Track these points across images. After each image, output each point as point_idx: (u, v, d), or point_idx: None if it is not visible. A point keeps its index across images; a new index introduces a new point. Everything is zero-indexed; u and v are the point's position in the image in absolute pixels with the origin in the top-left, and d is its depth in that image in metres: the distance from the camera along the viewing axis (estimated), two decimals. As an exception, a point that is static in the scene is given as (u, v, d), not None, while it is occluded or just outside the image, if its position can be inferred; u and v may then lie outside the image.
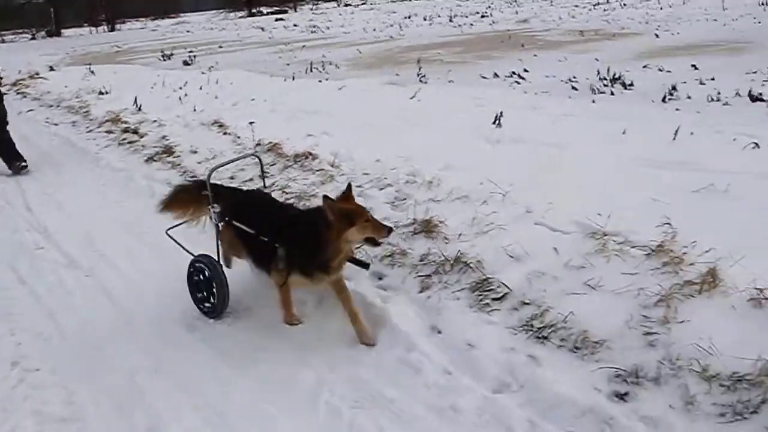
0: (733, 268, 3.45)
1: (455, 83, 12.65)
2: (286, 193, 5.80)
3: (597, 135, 7.06)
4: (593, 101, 9.88)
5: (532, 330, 3.28)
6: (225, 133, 8.30)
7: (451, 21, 29.66)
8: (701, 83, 10.94)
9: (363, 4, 67.37)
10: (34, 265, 5.18)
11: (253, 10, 62.94)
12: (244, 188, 5.07)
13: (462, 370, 3.15)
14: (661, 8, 28.90)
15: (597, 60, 14.52)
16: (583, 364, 3.02)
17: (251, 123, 8.18)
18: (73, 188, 7.33)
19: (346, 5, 67.01)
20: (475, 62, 15.91)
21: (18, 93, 15.80)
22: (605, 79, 11.62)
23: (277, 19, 43.87)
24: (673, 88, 10.32)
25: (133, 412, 3.18)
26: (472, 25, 27.17)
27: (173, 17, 67.95)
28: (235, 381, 3.36)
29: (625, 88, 10.99)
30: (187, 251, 4.26)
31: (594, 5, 34.00)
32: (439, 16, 33.10)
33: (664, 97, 9.78)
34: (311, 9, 64.82)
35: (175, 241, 4.41)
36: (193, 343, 3.81)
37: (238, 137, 8.01)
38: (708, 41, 17.15)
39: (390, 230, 3.52)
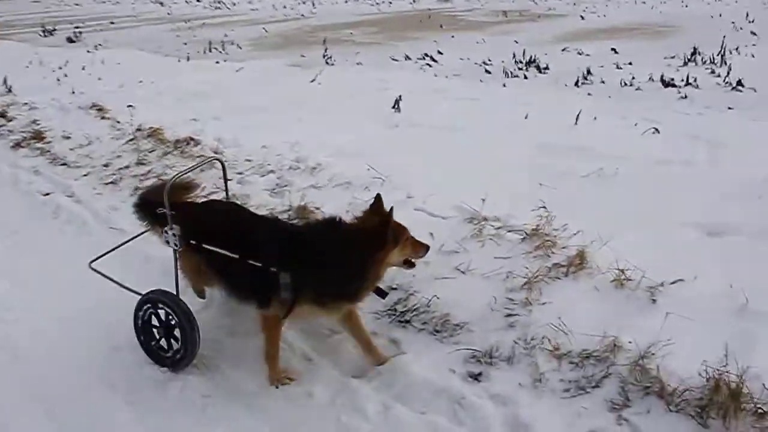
0: (601, 251, 3.78)
1: (363, 65, 12.90)
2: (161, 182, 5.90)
3: (499, 120, 7.41)
4: (504, 85, 10.31)
5: (395, 314, 3.52)
6: (104, 117, 8.27)
7: (371, -2, 29.91)
8: (618, 67, 11.56)
9: (277, -22, 66.89)
10: None
11: (153, -17, 61.59)
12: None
13: (322, 355, 3.35)
14: (587, -12, 29.98)
15: (516, 42, 15.07)
16: (441, 347, 3.27)
17: (130, 106, 8.21)
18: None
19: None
20: (388, 43, 16.19)
21: None
22: (520, 62, 12.10)
23: (178, -7, 43.10)
24: (588, 72, 10.87)
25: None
26: (390, 3, 27.50)
27: (60, -12, 65.81)
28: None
29: (540, 72, 11.49)
30: (126, 288, 3.68)
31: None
32: (359, -8, 33.29)
33: (577, 81, 10.30)
34: (218, -18, 63.99)
35: (105, 275, 3.81)
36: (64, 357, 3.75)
37: (118, 122, 7.99)
38: (633, 24, 18.03)
39: (428, 248, 3.31)
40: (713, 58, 11.51)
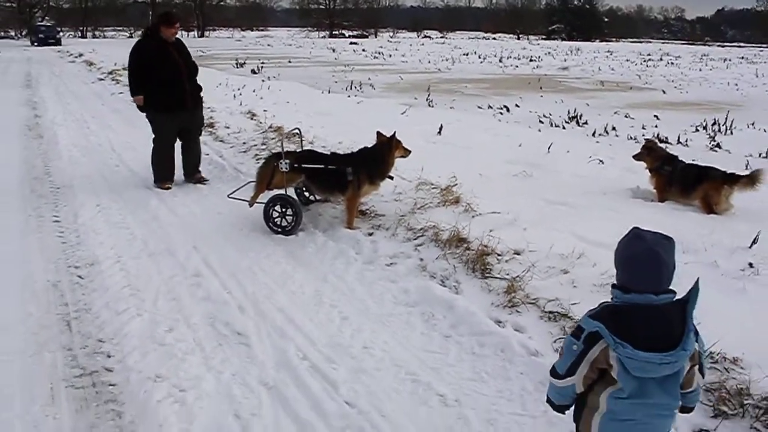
0: (473, 199, 6.55)
1: (454, 109, 15.83)
2: (273, 152, 9.16)
3: (504, 146, 10.12)
4: (539, 130, 12.90)
5: (363, 216, 6.45)
6: (252, 119, 11.79)
7: (500, 62, 32.80)
8: (643, 127, 13.79)
9: (442, 37, 71.07)
10: (111, 178, 8.63)
11: (335, 32, 67.52)
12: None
13: (315, 227, 6.36)
14: (700, 69, 31.30)
15: (588, 105, 17.43)
16: (363, 223, 6.22)
17: (265, 111, 11.69)
18: (146, 144, 10.80)
19: (425, 37, 70.86)
20: (487, 96, 19.03)
21: (113, 80, 20.00)
22: (569, 117, 14.62)
23: (351, 43, 47.96)
24: (612, 128, 13.26)
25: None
26: (516, 67, 30.28)
27: (261, 29, 73.41)
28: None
29: (578, 125, 13.96)
30: (252, 201, 6.53)
31: (645, 60, 36.49)
32: (494, 56, 36.29)
33: (594, 132, 12.73)
34: (390, 36, 69.07)
35: (238, 198, 6.69)
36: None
37: (261, 122, 11.46)
38: (704, 100, 19.77)
39: (410, 151, 6.42)
40: (720, 127, 13.54)
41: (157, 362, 3.92)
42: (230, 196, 6.84)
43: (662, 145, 7.84)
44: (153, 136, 8.07)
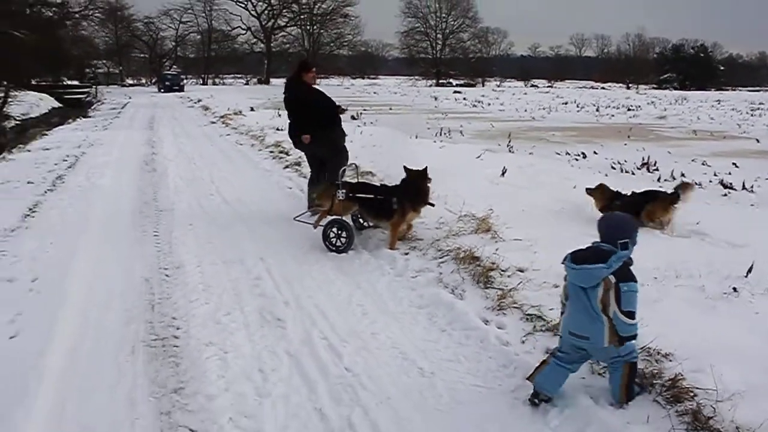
0: (504, 227, 7.51)
1: (533, 155, 16.63)
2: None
3: (560, 187, 10.94)
4: (606, 174, 13.53)
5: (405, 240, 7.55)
6: (336, 158, 13.16)
7: (597, 111, 33.19)
8: (714, 174, 14.14)
9: (549, 87, 71.51)
10: (206, 205, 10.14)
11: (442, 80, 69.33)
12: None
13: (364, 247, 7.51)
14: (814, 118, 30.48)
15: (669, 153, 17.80)
16: (403, 245, 7.30)
17: (345, 151, 13.02)
18: (240, 178, 12.43)
19: (532, 86, 71.53)
20: (570, 144, 19.66)
21: (223, 124, 22.24)
22: (641, 165, 15.17)
23: (455, 92, 49.42)
24: (681, 174, 13.75)
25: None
26: (612, 116, 30.58)
27: (372, 77, 76.39)
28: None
29: (648, 172, 14.50)
30: (317, 225, 7.63)
31: (752, 109, 35.79)
32: (593, 105, 36.67)
33: (659, 178, 13.28)
34: (497, 85, 70.23)
35: (303, 221, 8.06)
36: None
37: (343, 161, 12.80)
38: (801, 150, 19.49)
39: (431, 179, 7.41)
40: (798, 176, 13.72)
41: (212, 334, 5.16)
42: (296, 218, 8.12)
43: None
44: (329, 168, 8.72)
